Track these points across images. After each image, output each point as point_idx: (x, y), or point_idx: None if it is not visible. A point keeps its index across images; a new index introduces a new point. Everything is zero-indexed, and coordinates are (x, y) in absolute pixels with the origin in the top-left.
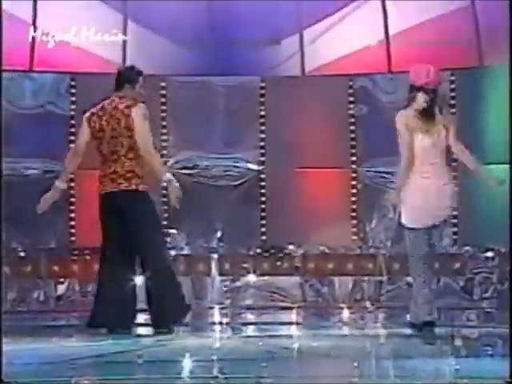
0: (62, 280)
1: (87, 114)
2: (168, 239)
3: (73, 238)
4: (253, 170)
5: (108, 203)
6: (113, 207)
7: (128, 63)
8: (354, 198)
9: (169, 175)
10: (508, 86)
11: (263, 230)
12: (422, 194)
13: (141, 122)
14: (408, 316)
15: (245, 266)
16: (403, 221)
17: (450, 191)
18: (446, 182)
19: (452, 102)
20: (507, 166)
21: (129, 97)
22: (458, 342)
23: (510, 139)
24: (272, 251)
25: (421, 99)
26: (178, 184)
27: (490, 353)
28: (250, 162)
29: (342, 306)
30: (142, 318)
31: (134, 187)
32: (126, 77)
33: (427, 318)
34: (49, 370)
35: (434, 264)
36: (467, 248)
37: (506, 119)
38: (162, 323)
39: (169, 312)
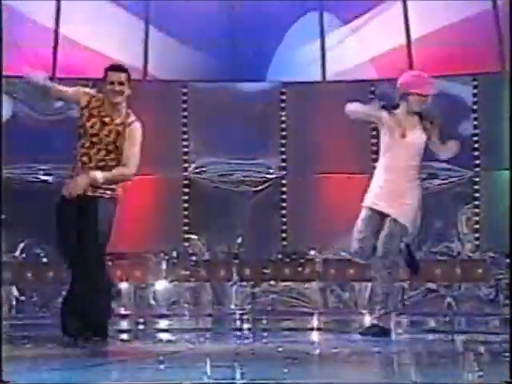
0: None
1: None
2: (189, 244)
3: None
4: (274, 176)
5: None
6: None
7: (149, 71)
8: None
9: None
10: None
11: (284, 235)
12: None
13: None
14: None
15: (266, 271)
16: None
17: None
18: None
19: (474, 107)
20: None
21: (103, 92)
22: (482, 349)
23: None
24: (293, 257)
25: (414, 103)
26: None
27: None
28: (270, 168)
29: (364, 311)
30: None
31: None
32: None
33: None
34: (70, 376)
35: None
36: (490, 254)
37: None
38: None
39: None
